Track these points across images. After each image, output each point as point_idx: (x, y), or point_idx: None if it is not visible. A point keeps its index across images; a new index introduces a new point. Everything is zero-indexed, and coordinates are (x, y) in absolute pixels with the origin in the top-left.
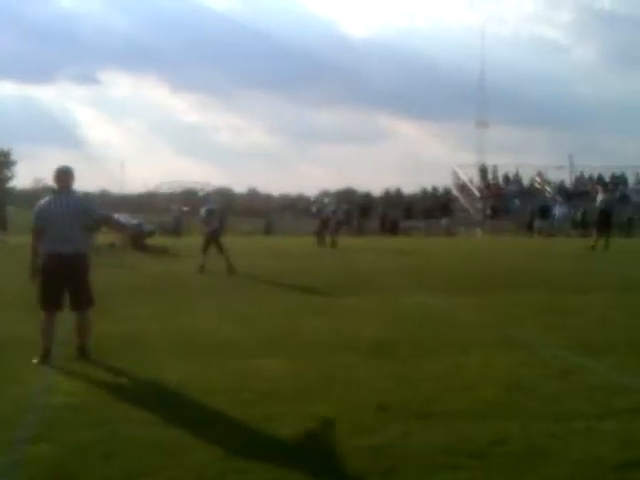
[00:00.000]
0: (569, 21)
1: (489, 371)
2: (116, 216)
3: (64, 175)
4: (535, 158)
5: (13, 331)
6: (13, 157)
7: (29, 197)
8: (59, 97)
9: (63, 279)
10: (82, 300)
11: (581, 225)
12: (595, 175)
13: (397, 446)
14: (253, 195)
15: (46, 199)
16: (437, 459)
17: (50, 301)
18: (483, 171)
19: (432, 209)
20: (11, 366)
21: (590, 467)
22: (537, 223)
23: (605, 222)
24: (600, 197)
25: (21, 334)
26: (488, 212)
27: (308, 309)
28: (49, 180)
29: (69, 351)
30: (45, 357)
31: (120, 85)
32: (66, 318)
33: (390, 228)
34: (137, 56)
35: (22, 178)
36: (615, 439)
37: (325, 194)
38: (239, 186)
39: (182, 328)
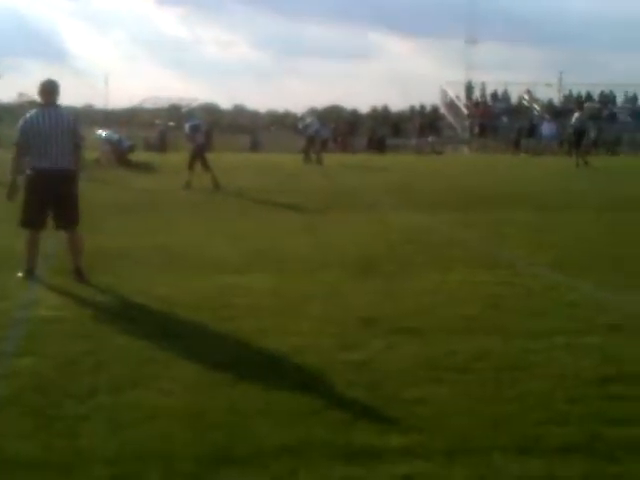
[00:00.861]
0: None
1: (472, 288)
2: (99, 131)
3: (50, 89)
4: (524, 75)
5: None
6: None
7: (14, 112)
8: (43, 9)
9: (50, 196)
10: (69, 218)
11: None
12: (584, 93)
13: (380, 360)
14: (239, 111)
15: (32, 113)
16: (419, 373)
17: (35, 220)
18: (470, 89)
19: (420, 127)
20: None
21: (570, 382)
22: (524, 141)
23: (578, 140)
24: (575, 115)
25: (5, 247)
26: (476, 130)
27: (293, 226)
28: (33, 94)
29: (56, 265)
30: (30, 272)
31: None
32: (53, 233)
33: (377, 146)
34: None
35: (5, 92)
36: (596, 354)
37: (311, 111)
38: (225, 102)
39: (167, 244)
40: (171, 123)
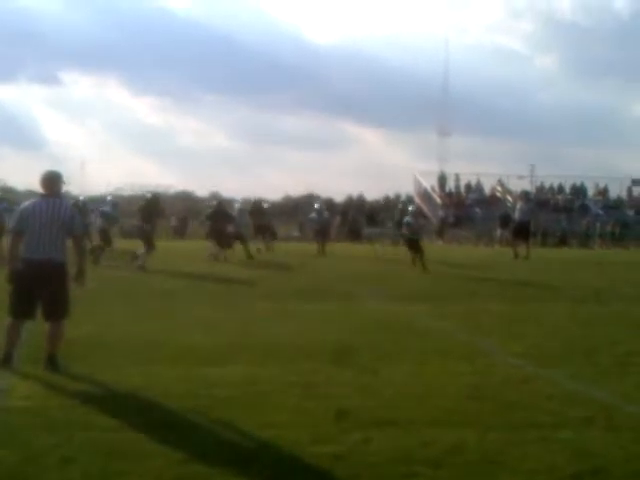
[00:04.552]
0: (530, 31)
1: (447, 379)
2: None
3: (51, 181)
4: (497, 167)
5: None
6: None
7: None
8: (19, 96)
9: (38, 287)
10: (57, 310)
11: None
12: (555, 185)
13: (355, 454)
14: (215, 199)
15: (31, 202)
16: (395, 468)
17: (21, 309)
18: (442, 179)
19: (400, 217)
20: None
21: (545, 477)
22: (498, 232)
23: (522, 232)
24: (518, 206)
25: None
26: (450, 220)
27: (268, 314)
28: (8, 181)
29: (27, 353)
30: (5, 361)
31: (81, 86)
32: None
33: (353, 234)
34: (98, 58)
35: None
36: (570, 448)
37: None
38: (201, 190)
39: (143, 333)
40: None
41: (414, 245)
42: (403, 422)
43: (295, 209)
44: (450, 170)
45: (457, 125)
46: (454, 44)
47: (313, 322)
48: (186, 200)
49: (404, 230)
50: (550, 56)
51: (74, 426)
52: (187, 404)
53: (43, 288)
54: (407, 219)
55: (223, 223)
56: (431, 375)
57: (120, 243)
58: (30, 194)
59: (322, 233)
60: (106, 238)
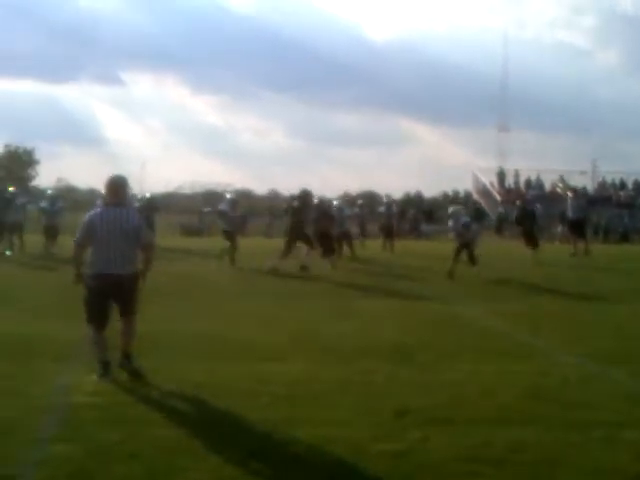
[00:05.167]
0: (592, 25)
1: (508, 378)
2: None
3: (118, 187)
4: (557, 163)
5: (39, 329)
6: (36, 156)
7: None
8: (81, 96)
9: (111, 297)
10: (129, 310)
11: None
12: (617, 181)
13: (415, 452)
14: (274, 196)
15: (97, 212)
16: (454, 466)
17: (98, 318)
18: (501, 175)
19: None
20: (34, 365)
21: (608, 477)
22: (559, 228)
23: (577, 228)
24: (569, 203)
25: (46, 332)
26: (509, 217)
27: (329, 312)
28: (71, 179)
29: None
30: (105, 369)
31: (141, 85)
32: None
33: (412, 231)
34: (158, 57)
35: (44, 177)
36: (635, 448)
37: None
38: (260, 188)
39: (205, 329)
40: (207, 209)
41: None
42: (463, 421)
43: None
44: (509, 166)
45: (516, 121)
46: (513, 39)
47: (373, 320)
48: (245, 198)
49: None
50: (611, 51)
51: (139, 422)
52: (248, 401)
53: (115, 297)
54: (464, 219)
55: (327, 224)
56: (490, 374)
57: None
58: (92, 193)
59: (388, 229)
60: (232, 238)
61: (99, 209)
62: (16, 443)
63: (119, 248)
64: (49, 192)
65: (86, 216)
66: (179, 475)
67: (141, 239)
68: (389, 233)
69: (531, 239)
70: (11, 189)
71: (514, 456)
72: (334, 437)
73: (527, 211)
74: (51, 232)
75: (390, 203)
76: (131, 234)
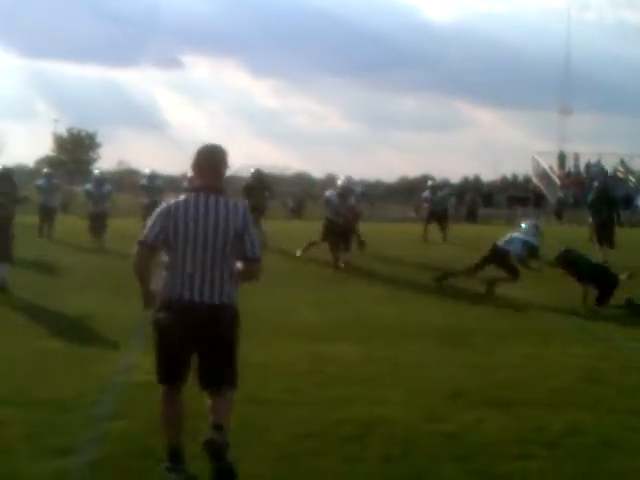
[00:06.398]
0: None
1: (564, 361)
2: None
3: (214, 163)
4: (618, 146)
5: (99, 309)
6: (98, 139)
7: (115, 180)
8: (141, 80)
9: (193, 341)
10: (221, 375)
11: None
12: None
13: (469, 433)
14: (331, 180)
15: (179, 200)
16: (508, 448)
17: (173, 373)
18: (562, 159)
19: (514, 197)
20: (95, 344)
21: None
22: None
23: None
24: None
25: (107, 312)
26: (569, 201)
27: (380, 295)
28: (133, 162)
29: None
30: (175, 456)
31: (200, 69)
32: None
33: (469, 216)
34: (217, 40)
35: (106, 160)
36: None
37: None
38: (317, 171)
39: (255, 310)
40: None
41: None
42: (518, 403)
43: (410, 191)
44: (570, 150)
45: (577, 103)
46: (575, 20)
47: (422, 304)
48: (303, 182)
49: None
50: None
51: (195, 399)
52: (304, 381)
53: (200, 342)
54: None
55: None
56: (547, 358)
57: None
58: (155, 177)
59: (437, 215)
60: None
61: (183, 196)
62: (77, 419)
63: (212, 260)
64: (95, 172)
65: (162, 205)
66: (241, 450)
67: (246, 248)
68: (440, 219)
69: (608, 235)
70: (96, 172)
71: (570, 439)
72: (389, 417)
73: (607, 196)
74: (98, 221)
75: (435, 187)
76: (232, 239)
